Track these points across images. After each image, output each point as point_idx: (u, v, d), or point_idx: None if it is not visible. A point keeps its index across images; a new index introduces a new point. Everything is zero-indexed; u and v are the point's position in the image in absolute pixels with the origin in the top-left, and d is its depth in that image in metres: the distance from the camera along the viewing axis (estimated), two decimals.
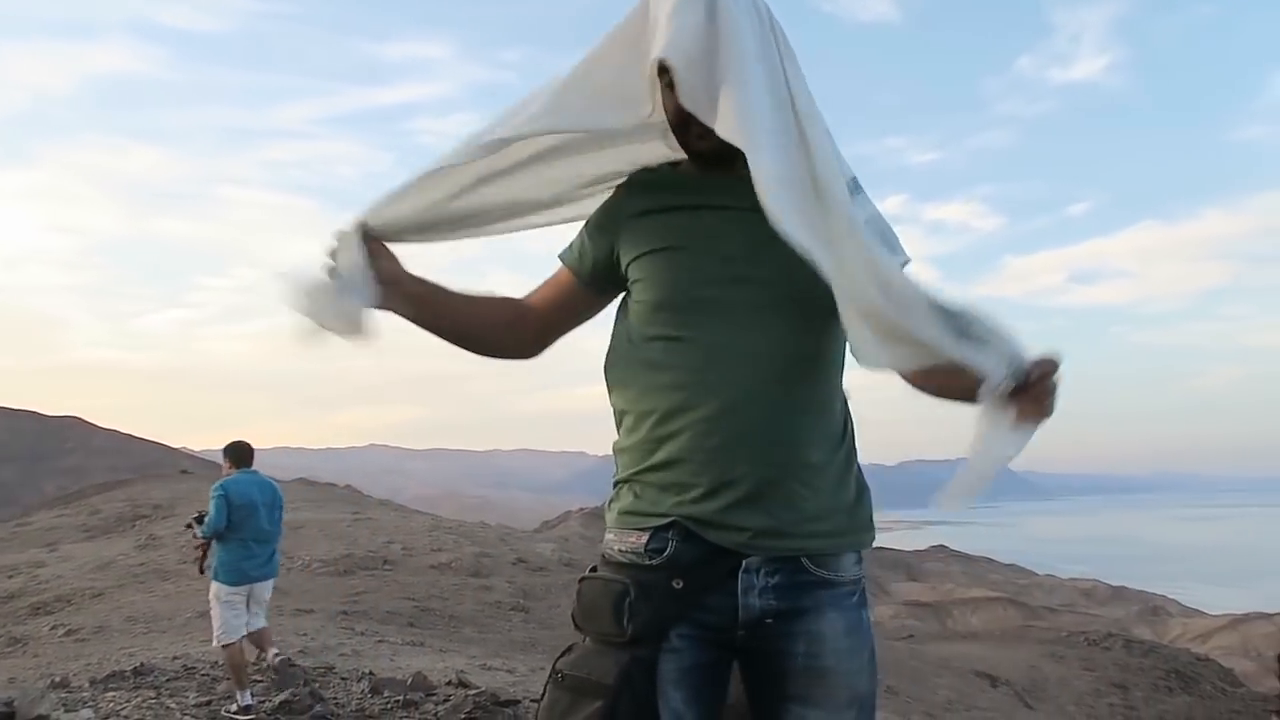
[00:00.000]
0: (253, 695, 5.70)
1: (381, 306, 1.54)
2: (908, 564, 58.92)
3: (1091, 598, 54.00)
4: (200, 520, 5.80)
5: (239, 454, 6.01)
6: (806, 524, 1.42)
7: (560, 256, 1.63)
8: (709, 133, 1.39)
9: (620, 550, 1.47)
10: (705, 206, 1.51)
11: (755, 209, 1.44)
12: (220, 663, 6.28)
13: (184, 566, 13.57)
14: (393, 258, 1.56)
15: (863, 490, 1.52)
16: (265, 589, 5.95)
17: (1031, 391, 1.30)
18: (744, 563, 1.41)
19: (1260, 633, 36.60)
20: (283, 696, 5.82)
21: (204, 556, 5.89)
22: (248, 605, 5.82)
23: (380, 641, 9.10)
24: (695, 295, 1.45)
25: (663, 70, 1.41)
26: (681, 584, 1.41)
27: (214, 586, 5.77)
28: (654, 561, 1.43)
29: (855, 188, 1.48)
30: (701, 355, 1.42)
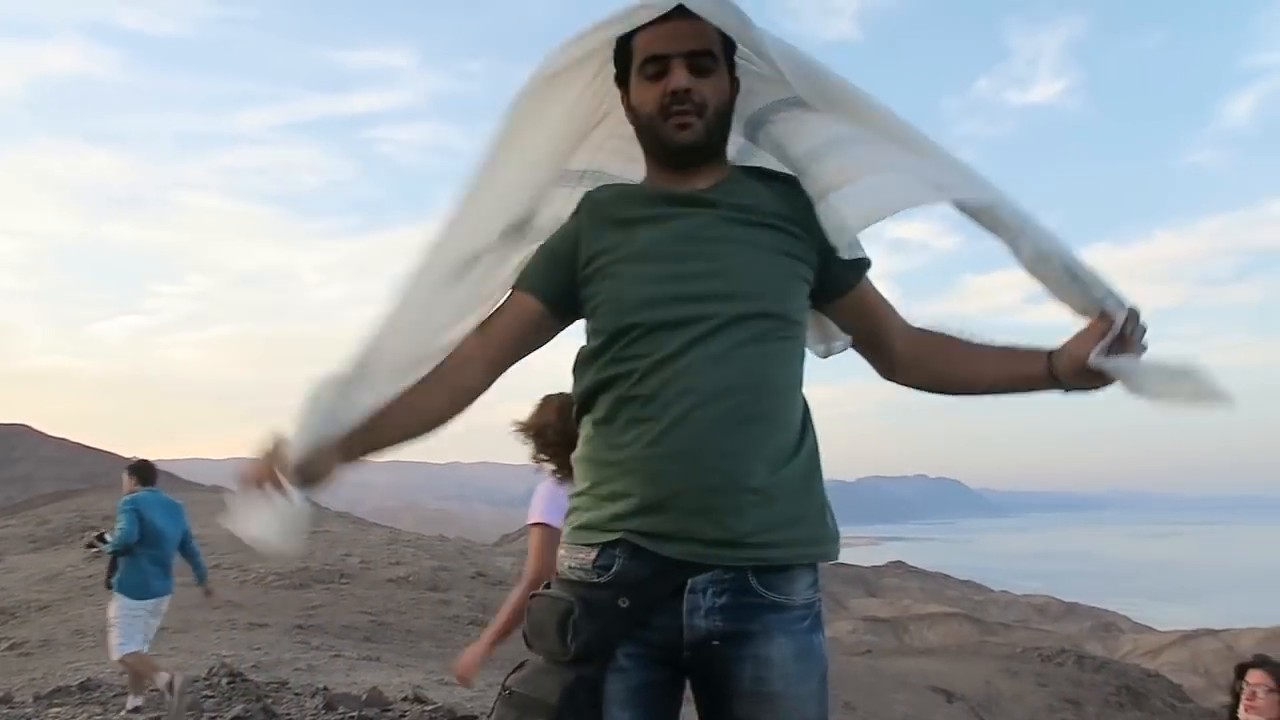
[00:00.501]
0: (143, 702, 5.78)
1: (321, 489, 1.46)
2: (866, 580, 59.36)
3: (1045, 614, 54.75)
4: (102, 539, 5.98)
5: (144, 472, 6.18)
6: (763, 534, 1.41)
7: (517, 286, 1.58)
8: (693, 119, 1.46)
9: (570, 567, 1.47)
10: (667, 218, 1.51)
11: (715, 218, 1.49)
12: (123, 673, 6.27)
13: None
14: (315, 460, 1.42)
15: (825, 503, 1.51)
16: (164, 604, 6.05)
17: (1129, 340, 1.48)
18: (690, 582, 1.39)
19: (1208, 649, 37.38)
20: (234, 712, 5.72)
21: (110, 572, 6.01)
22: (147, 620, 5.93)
23: (336, 656, 8.97)
24: (654, 315, 1.44)
25: (648, 62, 1.48)
26: (628, 602, 1.40)
27: (116, 602, 5.83)
28: (601, 579, 1.42)
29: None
30: (658, 371, 1.42)
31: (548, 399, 2.95)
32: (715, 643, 1.41)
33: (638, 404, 1.42)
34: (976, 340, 1.60)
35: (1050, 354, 1.53)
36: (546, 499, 2.91)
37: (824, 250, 1.52)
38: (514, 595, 2.98)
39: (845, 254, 1.51)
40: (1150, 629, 48.04)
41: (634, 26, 1.49)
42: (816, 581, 1.49)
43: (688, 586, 1.40)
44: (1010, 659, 22.04)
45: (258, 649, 8.83)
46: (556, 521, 2.66)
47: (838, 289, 1.58)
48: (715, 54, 1.49)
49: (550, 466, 2.92)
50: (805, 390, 1.54)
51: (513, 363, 1.58)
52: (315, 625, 10.97)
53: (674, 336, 1.42)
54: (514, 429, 2.98)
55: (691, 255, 1.47)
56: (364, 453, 1.48)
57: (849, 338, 1.70)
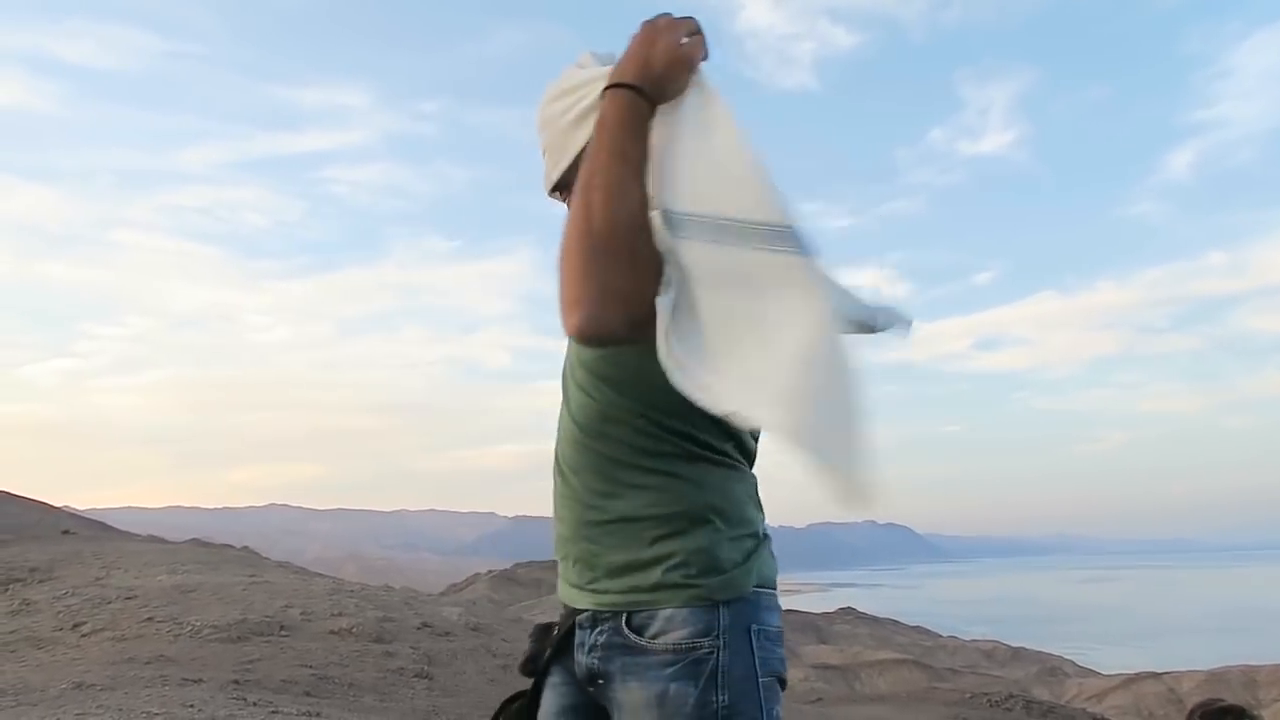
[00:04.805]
0: None
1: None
2: (817, 626, 59.29)
3: (993, 659, 55.14)
4: None
5: None
6: (604, 579, 1.43)
7: None
8: None
9: None
10: None
11: None
12: None
13: (60, 634, 12.74)
14: None
15: (673, 549, 1.37)
16: None
17: None
18: (577, 618, 1.47)
19: (1150, 692, 37.91)
20: None
21: None
22: None
23: (274, 712, 8.66)
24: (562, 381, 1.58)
25: None
26: (557, 630, 1.53)
27: None
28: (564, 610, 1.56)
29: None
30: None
31: None
32: (600, 681, 1.43)
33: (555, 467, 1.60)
34: None
35: None
36: None
37: None
38: None
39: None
40: (1095, 672, 48.55)
41: None
42: (708, 626, 1.34)
43: (576, 623, 1.47)
44: (959, 705, 22.08)
45: (190, 706, 8.48)
46: None
47: None
48: None
49: None
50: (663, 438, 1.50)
51: None
52: (252, 680, 10.59)
53: (563, 402, 1.59)
54: None
55: None
56: None
57: None
